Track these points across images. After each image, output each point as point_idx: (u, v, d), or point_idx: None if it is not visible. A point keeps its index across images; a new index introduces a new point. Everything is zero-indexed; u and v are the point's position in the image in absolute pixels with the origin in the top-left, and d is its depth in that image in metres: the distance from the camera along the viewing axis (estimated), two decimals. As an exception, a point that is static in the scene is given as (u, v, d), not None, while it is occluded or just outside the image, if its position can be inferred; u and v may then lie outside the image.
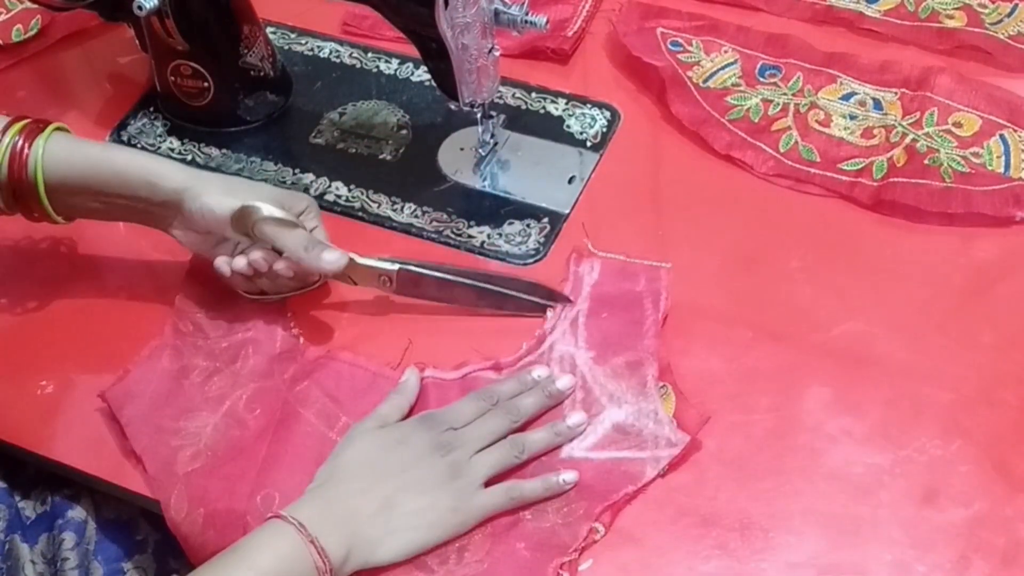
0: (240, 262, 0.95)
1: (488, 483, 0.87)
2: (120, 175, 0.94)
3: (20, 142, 0.93)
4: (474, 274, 0.99)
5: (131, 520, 0.95)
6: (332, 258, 0.94)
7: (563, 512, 0.86)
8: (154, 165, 0.95)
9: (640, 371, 0.93)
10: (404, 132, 1.15)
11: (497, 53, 1.02)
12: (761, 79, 1.16)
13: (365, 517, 0.83)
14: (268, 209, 0.93)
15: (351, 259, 0.96)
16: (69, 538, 0.92)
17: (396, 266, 0.97)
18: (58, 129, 0.96)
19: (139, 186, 0.94)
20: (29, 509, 0.94)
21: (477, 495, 0.85)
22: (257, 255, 0.95)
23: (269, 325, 0.98)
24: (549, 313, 0.98)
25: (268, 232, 0.93)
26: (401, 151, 1.13)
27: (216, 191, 0.94)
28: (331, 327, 1.00)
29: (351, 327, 1.00)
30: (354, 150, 1.14)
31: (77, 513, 0.93)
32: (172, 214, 0.95)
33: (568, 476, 0.87)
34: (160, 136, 1.16)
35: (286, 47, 1.23)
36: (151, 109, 1.18)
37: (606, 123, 1.14)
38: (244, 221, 0.93)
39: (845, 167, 1.08)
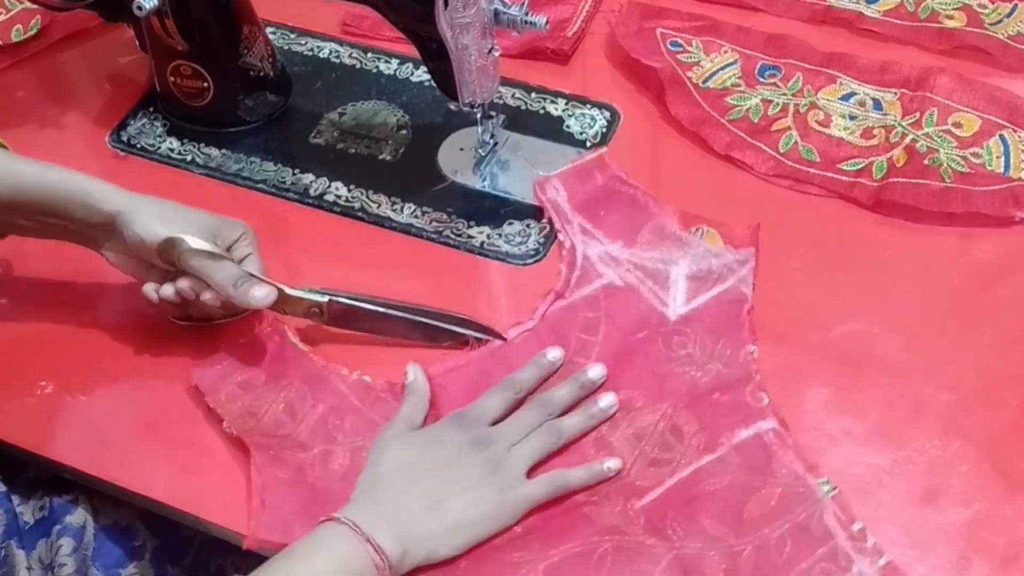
0: (167, 290, 0.94)
1: (530, 471, 0.88)
2: (54, 195, 0.93)
3: None
4: (405, 307, 0.97)
5: (129, 525, 0.95)
6: (261, 294, 0.93)
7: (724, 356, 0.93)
8: (89, 186, 0.93)
9: (666, 231, 1.02)
10: (404, 132, 1.15)
11: (497, 53, 1.02)
12: (761, 79, 1.16)
13: (416, 515, 0.83)
14: (193, 241, 0.91)
15: (281, 290, 0.95)
16: (67, 544, 0.92)
17: (326, 298, 0.96)
18: None
19: (73, 207, 0.93)
20: (28, 514, 0.94)
21: (521, 486, 0.86)
22: (184, 284, 0.94)
23: (321, 384, 0.95)
24: (560, 236, 1.03)
25: (193, 265, 0.92)
26: (401, 151, 1.13)
27: (148, 218, 0.92)
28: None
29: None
30: (354, 150, 1.14)
31: (76, 518, 0.93)
32: (104, 236, 0.95)
33: (612, 463, 0.88)
34: (160, 136, 1.16)
35: (286, 47, 1.23)
36: (151, 109, 1.18)
37: (606, 123, 1.14)
38: (169, 252, 0.92)
39: (845, 167, 1.08)
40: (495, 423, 0.89)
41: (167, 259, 0.93)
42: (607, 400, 0.91)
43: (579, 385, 0.92)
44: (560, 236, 1.03)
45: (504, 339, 0.96)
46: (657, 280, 0.99)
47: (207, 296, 0.94)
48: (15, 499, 0.94)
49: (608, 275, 1.00)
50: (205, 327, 0.98)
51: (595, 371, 0.93)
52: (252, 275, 0.94)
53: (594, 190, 1.06)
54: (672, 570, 0.82)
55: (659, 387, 0.92)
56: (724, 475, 0.86)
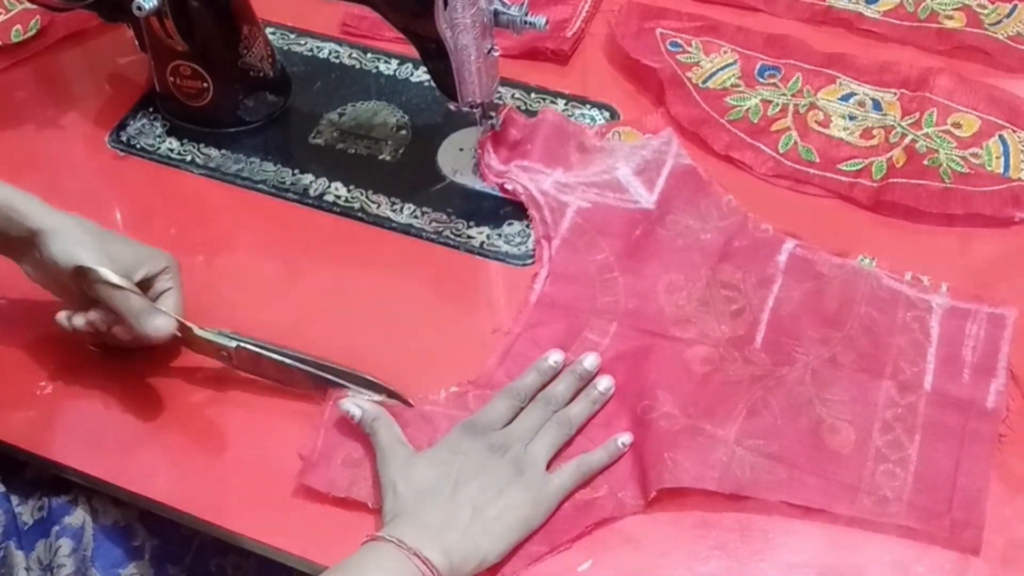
0: (79, 321, 0.94)
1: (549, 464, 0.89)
2: None
3: None
4: (313, 362, 0.95)
5: (128, 526, 0.94)
6: (159, 324, 0.91)
7: None
8: (14, 200, 0.92)
9: (587, 146, 1.09)
10: (403, 132, 1.15)
11: (496, 53, 1.02)
12: (760, 80, 1.16)
13: (458, 526, 0.83)
14: (104, 273, 0.90)
15: (191, 329, 0.94)
16: (66, 544, 0.91)
17: (234, 343, 0.94)
18: None
19: None
20: (27, 514, 0.94)
21: (549, 480, 0.87)
22: (95, 316, 0.93)
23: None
24: (511, 187, 1.07)
25: (103, 294, 0.91)
26: (400, 151, 1.13)
27: (68, 241, 0.91)
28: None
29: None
30: (353, 150, 1.14)
31: (74, 519, 0.93)
32: (24, 251, 0.94)
33: (625, 438, 0.90)
34: (159, 136, 1.16)
35: (285, 47, 1.23)
36: (150, 109, 1.18)
37: (605, 124, 1.14)
38: (81, 280, 0.91)
39: (844, 168, 1.08)
40: (504, 427, 0.90)
41: (79, 286, 0.92)
42: (605, 383, 0.93)
43: (577, 377, 0.93)
44: (511, 187, 1.07)
45: (410, 405, 0.93)
46: (613, 188, 1.06)
47: (117, 329, 0.93)
48: (14, 499, 0.94)
49: (571, 200, 1.05)
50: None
51: (590, 361, 0.94)
52: (157, 308, 0.92)
53: (508, 135, 1.10)
54: (816, 380, 0.92)
55: (688, 259, 1.00)
56: (792, 292, 0.98)
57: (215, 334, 0.95)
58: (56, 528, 0.92)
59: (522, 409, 0.91)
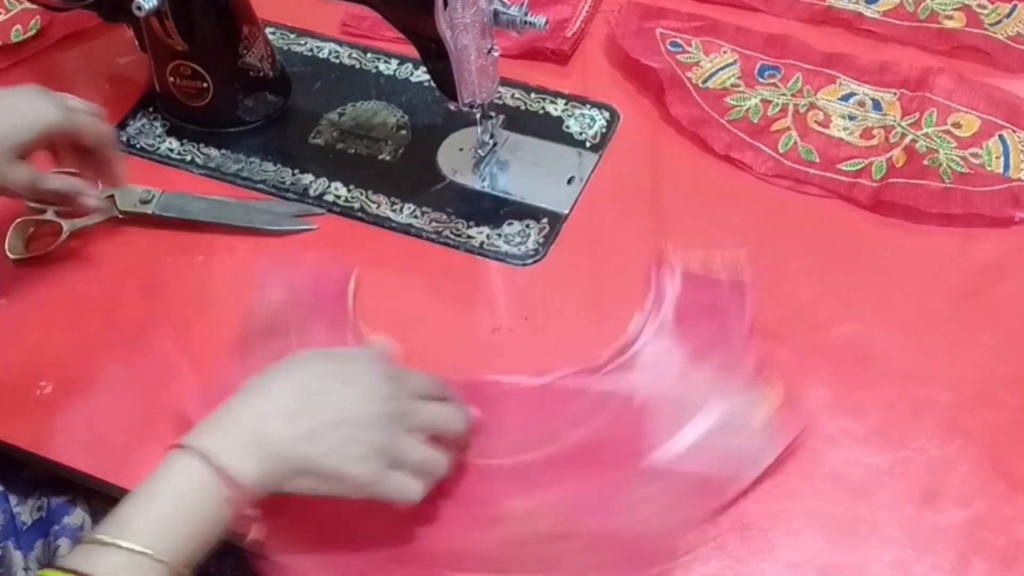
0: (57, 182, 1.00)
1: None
2: None
3: None
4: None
5: None
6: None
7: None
8: None
9: (734, 370, 0.91)
10: (403, 132, 1.15)
11: (496, 53, 1.02)
12: (760, 80, 1.16)
13: (285, 439, 0.78)
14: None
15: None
16: (65, 544, 0.91)
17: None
18: None
19: None
20: (25, 514, 0.94)
21: (407, 438, 0.81)
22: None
23: None
24: (635, 317, 0.96)
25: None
26: (400, 151, 1.13)
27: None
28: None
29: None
30: (353, 150, 1.14)
31: (74, 518, 0.93)
32: None
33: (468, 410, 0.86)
34: (159, 136, 1.16)
35: (285, 47, 1.23)
36: (150, 109, 1.18)
37: (605, 123, 1.14)
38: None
39: (844, 167, 1.08)
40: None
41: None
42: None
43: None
44: (636, 316, 0.97)
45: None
46: (678, 418, 0.89)
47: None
48: (12, 499, 0.94)
49: (634, 382, 0.93)
50: None
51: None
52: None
53: (705, 302, 0.97)
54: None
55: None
56: None
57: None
58: (55, 528, 0.92)
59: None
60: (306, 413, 0.79)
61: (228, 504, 0.75)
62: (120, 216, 1.08)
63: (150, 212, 1.08)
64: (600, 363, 0.94)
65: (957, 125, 1.10)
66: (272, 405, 0.79)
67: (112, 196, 1.07)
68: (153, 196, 1.08)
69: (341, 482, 0.79)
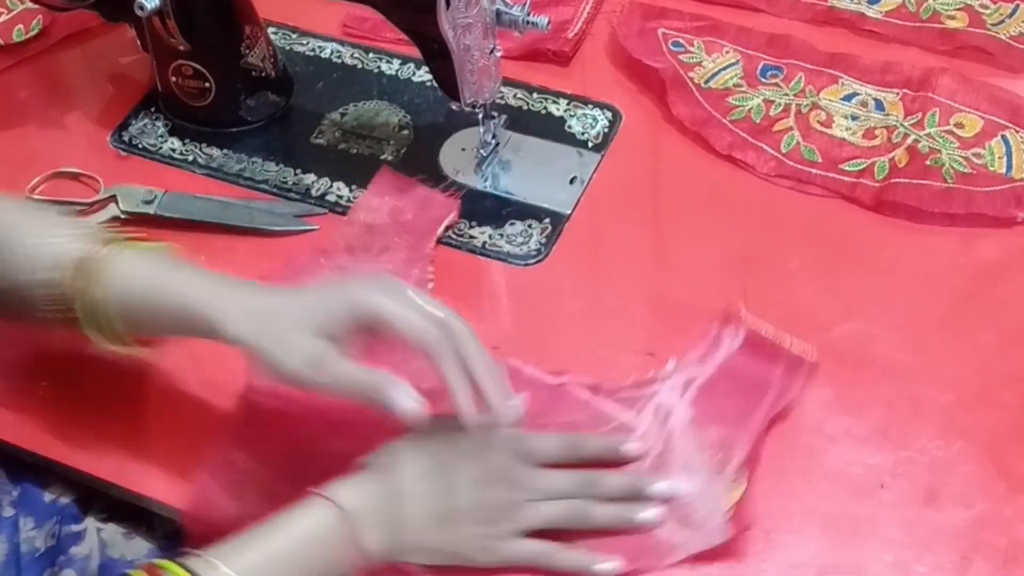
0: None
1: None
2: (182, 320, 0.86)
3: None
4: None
5: (135, 560, 0.94)
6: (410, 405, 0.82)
7: None
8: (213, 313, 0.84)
9: (728, 452, 0.88)
10: (405, 132, 1.15)
11: (499, 53, 1.02)
12: (763, 80, 1.16)
13: (418, 525, 0.81)
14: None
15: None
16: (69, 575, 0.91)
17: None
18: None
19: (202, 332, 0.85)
20: (40, 540, 0.93)
21: (515, 544, 0.83)
22: None
23: None
24: (671, 364, 0.94)
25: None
26: (402, 151, 1.13)
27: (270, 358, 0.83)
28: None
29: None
30: (355, 150, 1.14)
31: (82, 548, 0.92)
32: None
33: (606, 566, 0.83)
34: (161, 136, 1.16)
35: (287, 47, 1.24)
36: (152, 109, 1.18)
37: (607, 124, 1.14)
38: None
39: (847, 168, 1.08)
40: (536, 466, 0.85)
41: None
42: (648, 515, 0.85)
43: (635, 488, 0.86)
44: (671, 363, 0.94)
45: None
46: (657, 470, 0.88)
47: None
48: (29, 523, 0.93)
49: (637, 421, 0.91)
50: None
51: (661, 487, 0.86)
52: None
53: (754, 371, 0.93)
54: None
55: None
56: None
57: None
58: (62, 558, 0.92)
59: (559, 466, 0.86)
60: (438, 490, 0.81)
61: (349, 567, 0.79)
62: (123, 217, 1.08)
63: (152, 212, 1.08)
64: (616, 387, 0.93)
65: (960, 125, 1.10)
66: (408, 471, 0.82)
67: (115, 196, 1.08)
68: (155, 196, 1.08)
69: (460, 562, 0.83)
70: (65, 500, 0.94)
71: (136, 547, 0.94)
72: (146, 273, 0.87)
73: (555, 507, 0.84)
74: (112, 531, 0.94)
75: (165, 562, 0.75)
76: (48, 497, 0.95)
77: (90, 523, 0.94)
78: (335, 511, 0.78)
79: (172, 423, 0.94)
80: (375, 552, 0.79)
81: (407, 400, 0.80)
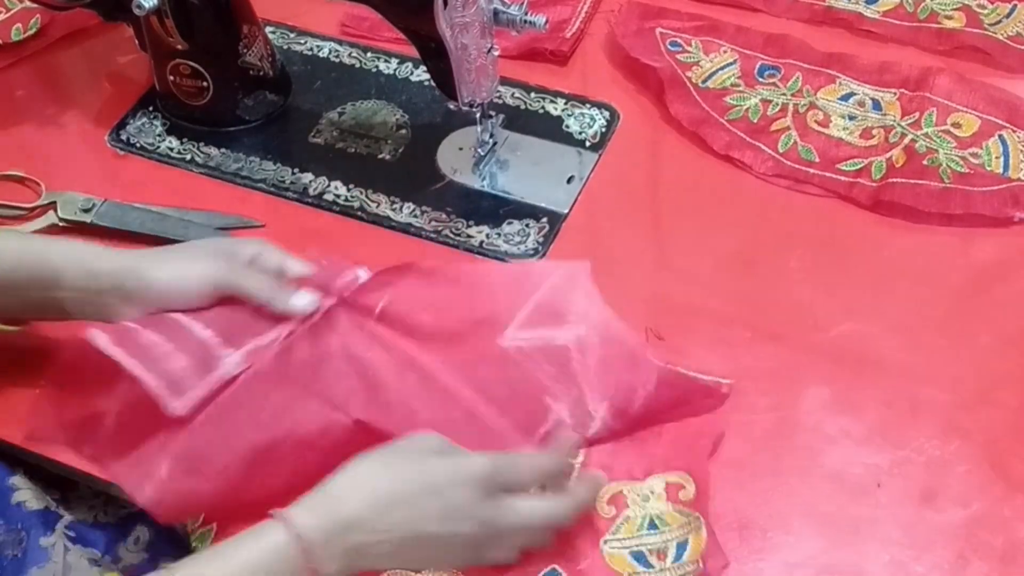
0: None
1: None
2: (54, 266, 0.90)
3: None
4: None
5: None
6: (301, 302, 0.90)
7: None
8: (86, 252, 0.92)
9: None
10: (403, 132, 1.15)
11: (496, 53, 1.02)
12: (760, 79, 1.16)
13: (381, 551, 0.78)
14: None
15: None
16: None
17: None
18: None
19: (77, 276, 0.90)
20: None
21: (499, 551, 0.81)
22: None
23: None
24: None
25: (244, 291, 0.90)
26: (400, 151, 1.13)
27: (163, 264, 0.90)
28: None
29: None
30: (353, 149, 1.14)
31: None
32: (115, 300, 0.90)
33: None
34: (159, 135, 1.16)
35: (285, 47, 1.23)
36: (150, 108, 1.18)
37: (605, 123, 1.14)
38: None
39: (844, 167, 1.08)
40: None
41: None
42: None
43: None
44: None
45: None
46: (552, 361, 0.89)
47: None
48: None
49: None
50: None
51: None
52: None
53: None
54: None
55: None
56: None
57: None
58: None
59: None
60: (398, 523, 0.78)
61: None
62: (60, 224, 1.08)
63: (89, 221, 1.08)
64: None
65: (957, 125, 1.10)
66: (370, 501, 0.78)
67: (54, 203, 1.09)
68: (94, 205, 1.08)
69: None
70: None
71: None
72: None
73: (522, 538, 0.82)
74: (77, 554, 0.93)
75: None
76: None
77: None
78: (291, 537, 0.75)
79: (173, 423, 0.94)
80: (333, 575, 0.77)
81: (298, 299, 0.88)
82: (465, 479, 0.79)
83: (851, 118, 1.12)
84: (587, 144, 1.12)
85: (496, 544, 0.80)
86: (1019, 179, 1.05)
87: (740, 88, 1.15)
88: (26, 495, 0.93)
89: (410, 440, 0.82)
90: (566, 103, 1.16)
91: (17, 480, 0.94)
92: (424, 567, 0.82)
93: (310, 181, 1.11)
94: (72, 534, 0.93)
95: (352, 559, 0.77)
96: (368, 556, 0.78)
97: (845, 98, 1.14)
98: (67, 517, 0.94)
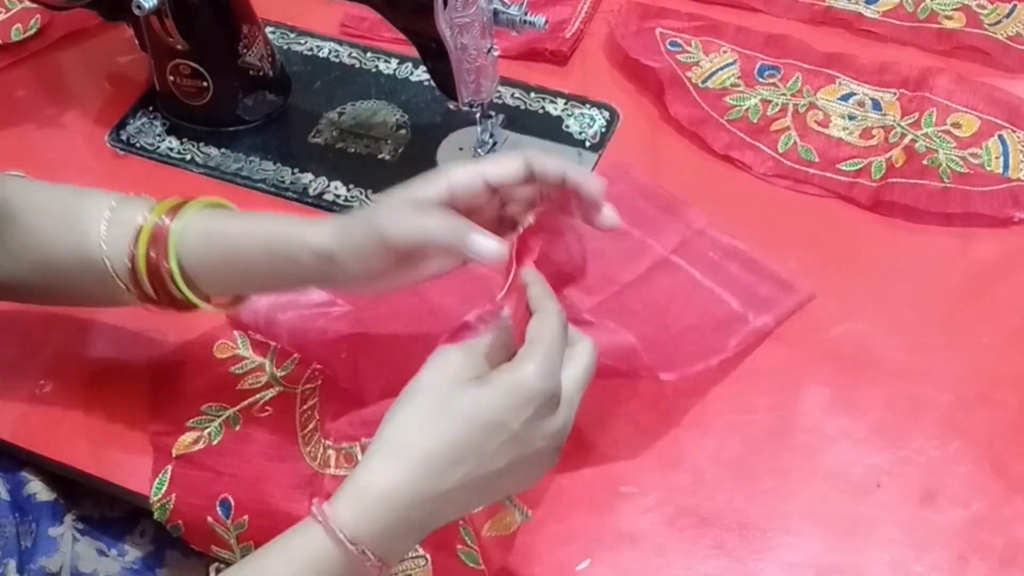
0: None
1: None
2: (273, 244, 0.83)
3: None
4: None
5: None
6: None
7: None
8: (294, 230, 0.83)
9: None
10: (403, 132, 1.15)
11: (496, 53, 1.02)
12: (760, 79, 1.16)
13: (442, 518, 0.72)
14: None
15: None
16: None
17: None
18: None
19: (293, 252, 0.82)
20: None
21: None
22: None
23: None
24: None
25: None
26: (400, 151, 1.13)
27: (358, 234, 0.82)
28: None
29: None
30: (353, 150, 1.14)
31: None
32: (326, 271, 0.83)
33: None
34: (159, 135, 1.16)
35: (285, 47, 1.23)
36: (150, 108, 1.18)
37: (605, 123, 1.14)
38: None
39: (844, 167, 1.08)
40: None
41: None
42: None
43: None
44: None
45: None
46: None
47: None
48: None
49: None
50: None
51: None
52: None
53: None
54: None
55: None
56: None
57: None
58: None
59: None
60: (473, 468, 0.70)
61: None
62: None
63: None
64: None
65: (957, 125, 1.10)
66: (423, 468, 0.70)
67: None
68: None
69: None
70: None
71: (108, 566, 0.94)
72: (215, 226, 0.84)
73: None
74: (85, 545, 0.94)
75: None
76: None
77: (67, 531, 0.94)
78: (335, 540, 0.68)
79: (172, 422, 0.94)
80: (393, 563, 0.71)
81: (486, 242, 0.76)
82: (520, 400, 0.70)
83: (851, 118, 1.12)
84: (587, 144, 1.12)
85: (556, 447, 0.73)
86: (1019, 179, 1.05)
87: (740, 88, 1.15)
88: (37, 487, 0.95)
89: (434, 374, 0.73)
90: (566, 103, 1.16)
91: (27, 473, 0.95)
92: (494, 501, 0.77)
93: (310, 181, 1.11)
94: (80, 526, 0.94)
95: (413, 531, 0.71)
96: (434, 519, 0.71)
97: (845, 98, 1.14)
98: (75, 511, 0.95)
